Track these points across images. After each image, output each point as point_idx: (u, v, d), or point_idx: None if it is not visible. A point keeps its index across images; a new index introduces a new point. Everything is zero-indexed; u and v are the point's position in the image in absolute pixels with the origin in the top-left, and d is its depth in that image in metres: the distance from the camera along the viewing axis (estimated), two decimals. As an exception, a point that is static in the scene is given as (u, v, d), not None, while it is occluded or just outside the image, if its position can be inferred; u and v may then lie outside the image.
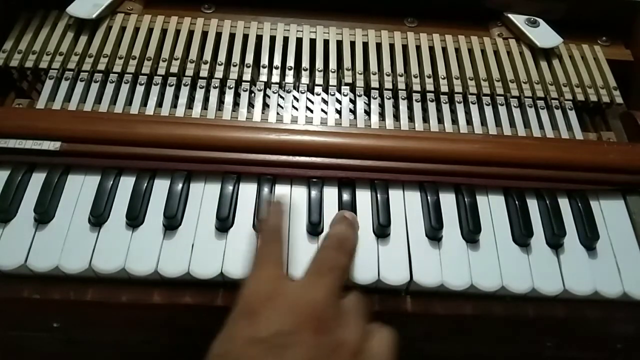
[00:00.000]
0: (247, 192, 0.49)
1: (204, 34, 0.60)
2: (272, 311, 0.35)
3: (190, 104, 0.55)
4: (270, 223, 0.41)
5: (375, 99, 0.57)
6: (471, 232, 0.47)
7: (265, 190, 0.48)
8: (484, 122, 0.56)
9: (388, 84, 0.58)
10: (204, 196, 0.48)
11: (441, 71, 0.59)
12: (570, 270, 0.46)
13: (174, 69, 0.57)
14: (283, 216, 0.43)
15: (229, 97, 0.55)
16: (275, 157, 0.49)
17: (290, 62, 0.59)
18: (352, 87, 0.57)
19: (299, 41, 0.61)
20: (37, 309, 0.46)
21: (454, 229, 0.48)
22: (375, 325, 0.38)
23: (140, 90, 0.55)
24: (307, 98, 0.57)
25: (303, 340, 0.33)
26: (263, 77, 0.57)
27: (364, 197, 0.49)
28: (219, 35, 0.60)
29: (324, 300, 0.36)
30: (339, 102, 0.57)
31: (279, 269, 0.38)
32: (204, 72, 0.57)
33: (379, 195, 0.48)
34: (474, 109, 0.57)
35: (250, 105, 0.56)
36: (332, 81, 0.58)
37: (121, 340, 0.52)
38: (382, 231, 0.47)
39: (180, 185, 0.48)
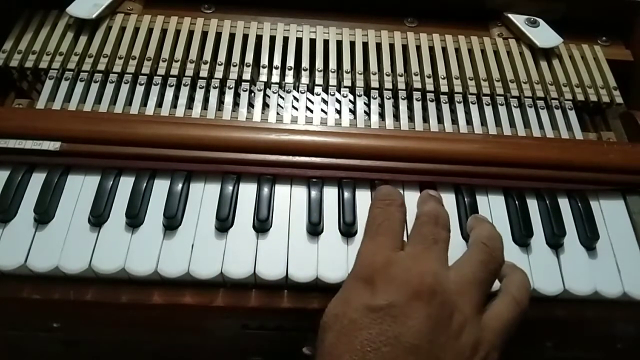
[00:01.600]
0: (247, 192, 0.49)
1: (204, 34, 0.60)
2: (388, 282, 0.36)
3: (190, 104, 0.55)
4: (391, 193, 0.43)
5: (375, 98, 0.57)
6: (471, 232, 0.47)
7: (265, 190, 0.48)
8: (484, 122, 0.56)
9: (388, 84, 0.58)
10: (204, 196, 0.48)
11: (441, 71, 0.59)
12: (570, 270, 0.46)
13: (174, 69, 0.57)
14: (400, 194, 0.44)
15: (228, 97, 0.55)
16: (275, 157, 0.49)
17: (290, 62, 0.59)
18: (352, 87, 0.57)
19: (299, 41, 0.61)
20: (37, 309, 0.46)
21: (454, 229, 0.48)
22: (503, 290, 0.39)
23: (140, 90, 0.55)
24: (307, 98, 0.57)
25: (414, 312, 0.34)
26: (263, 77, 0.57)
27: (364, 197, 0.49)
28: (219, 35, 0.60)
29: (435, 271, 0.37)
30: (339, 102, 0.57)
31: (396, 240, 0.39)
32: (203, 72, 0.57)
33: (379, 195, 0.48)
34: (474, 109, 0.57)
35: (250, 105, 0.56)
36: (332, 81, 0.58)
37: (121, 340, 0.52)
38: (382, 231, 0.47)
39: (180, 185, 0.48)
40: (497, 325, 0.37)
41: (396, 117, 0.56)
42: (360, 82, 0.58)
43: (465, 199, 0.49)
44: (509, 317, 0.38)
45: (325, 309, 0.37)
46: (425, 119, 0.56)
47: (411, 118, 0.56)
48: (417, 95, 0.57)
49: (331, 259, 0.45)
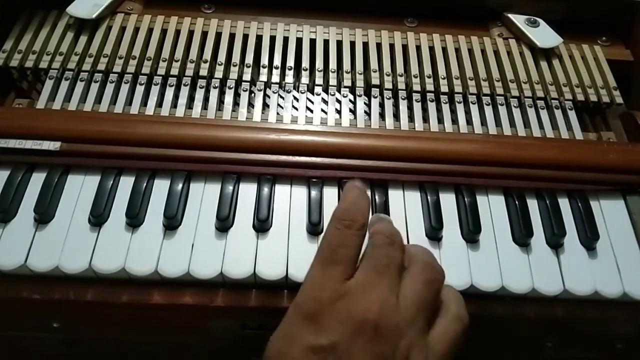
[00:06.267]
0: (247, 192, 0.49)
1: (204, 34, 0.60)
2: (331, 319, 0.35)
3: (190, 104, 0.55)
4: (353, 211, 0.40)
5: (375, 98, 0.57)
6: (471, 232, 0.47)
7: (265, 190, 0.48)
8: (484, 122, 0.56)
9: (388, 84, 0.58)
10: (204, 196, 0.48)
11: (441, 71, 0.59)
12: (570, 270, 0.46)
13: (174, 69, 0.57)
14: (365, 209, 0.41)
15: (229, 97, 0.55)
16: (275, 157, 0.49)
17: (290, 62, 0.59)
18: (352, 87, 0.57)
19: (299, 41, 0.61)
20: (37, 309, 0.46)
21: (454, 229, 0.48)
22: (444, 308, 0.38)
23: (140, 90, 0.55)
24: (307, 98, 0.57)
25: (358, 350, 0.34)
26: (263, 77, 0.57)
27: (364, 197, 0.49)
28: (219, 35, 0.60)
29: (381, 302, 0.35)
30: (339, 102, 0.57)
31: (348, 270, 0.37)
32: (203, 72, 0.57)
33: (379, 196, 0.48)
34: (474, 109, 0.57)
35: (250, 105, 0.56)
36: (332, 81, 0.58)
37: (121, 340, 0.52)
38: (382, 231, 0.47)
39: (180, 185, 0.48)
40: (443, 347, 0.37)
41: (396, 117, 0.56)
42: (360, 82, 0.58)
43: (465, 199, 0.49)
44: (455, 335, 0.37)
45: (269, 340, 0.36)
46: (426, 119, 0.56)
47: (411, 118, 0.56)
48: (417, 95, 0.57)
49: (331, 259, 0.45)
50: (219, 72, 0.57)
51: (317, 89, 0.57)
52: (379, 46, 0.61)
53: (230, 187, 0.48)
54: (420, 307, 0.37)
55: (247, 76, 0.57)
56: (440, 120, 0.56)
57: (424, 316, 0.37)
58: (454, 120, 0.56)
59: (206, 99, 0.55)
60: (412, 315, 0.36)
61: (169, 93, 0.55)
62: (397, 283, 0.37)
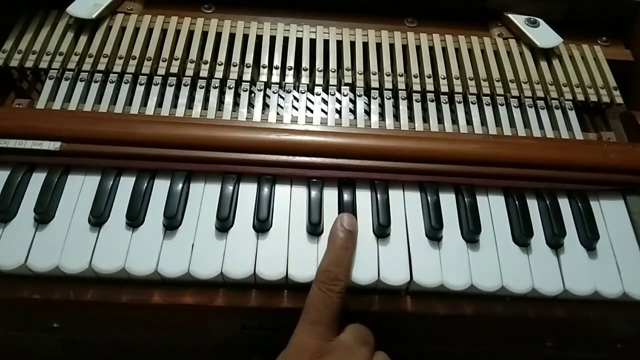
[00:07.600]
0: (247, 192, 0.49)
1: (204, 34, 0.60)
2: None
3: (190, 104, 0.55)
4: (336, 274, 0.43)
5: (375, 99, 0.57)
6: (471, 232, 0.47)
7: (265, 190, 0.48)
8: (484, 122, 0.56)
9: (388, 84, 0.58)
10: (204, 196, 0.48)
11: (441, 71, 0.59)
12: (570, 270, 0.46)
13: (174, 69, 0.57)
14: (347, 265, 0.44)
15: (229, 97, 0.55)
16: (275, 157, 0.49)
17: (290, 62, 0.59)
18: (352, 87, 0.57)
19: (299, 41, 0.61)
20: (37, 309, 0.46)
21: (454, 229, 0.48)
22: None
23: (140, 90, 0.55)
24: (307, 98, 0.57)
25: None
26: (263, 77, 0.57)
27: (364, 197, 0.49)
28: (219, 35, 0.60)
29: None
30: (339, 102, 0.57)
31: (332, 329, 0.42)
32: (204, 72, 0.57)
33: (379, 195, 0.48)
34: (474, 109, 0.57)
35: (250, 105, 0.56)
36: (332, 81, 0.58)
37: (121, 340, 0.52)
38: (382, 231, 0.47)
39: (180, 185, 0.48)
40: None
41: (396, 117, 0.56)
42: (360, 82, 0.58)
43: (465, 199, 0.49)
44: None
45: None
46: (426, 119, 0.56)
47: (411, 118, 0.56)
48: (417, 95, 0.57)
49: (331, 259, 0.45)
50: (219, 72, 0.57)
51: (317, 89, 0.57)
52: (379, 46, 0.61)
53: (230, 187, 0.48)
54: None
55: (247, 76, 0.57)
56: (440, 120, 0.56)
57: None
58: (454, 120, 0.56)
59: (206, 99, 0.55)
60: None
61: (169, 93, 0.55)
62: (371, 355, 0.43)
